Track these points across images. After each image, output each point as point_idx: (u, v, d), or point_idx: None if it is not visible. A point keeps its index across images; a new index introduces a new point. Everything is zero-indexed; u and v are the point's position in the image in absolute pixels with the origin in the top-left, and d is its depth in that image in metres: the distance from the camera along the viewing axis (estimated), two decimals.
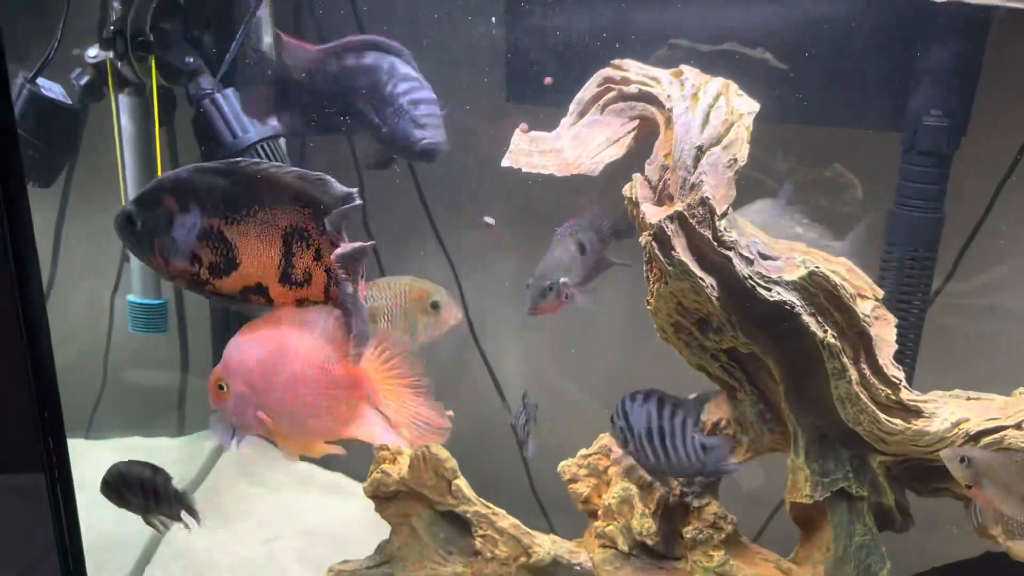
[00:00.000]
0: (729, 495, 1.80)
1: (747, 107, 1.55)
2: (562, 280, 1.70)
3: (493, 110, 2.11)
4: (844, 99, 1.83)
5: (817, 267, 1.48)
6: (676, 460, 1.60)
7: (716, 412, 1.75)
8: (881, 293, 1.63)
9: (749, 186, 2.20)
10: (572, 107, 1.70)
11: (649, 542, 1.74)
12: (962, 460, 1.41)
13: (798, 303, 1.49)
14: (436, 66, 2.16)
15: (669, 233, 1.50)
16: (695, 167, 1.52)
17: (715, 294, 1.50)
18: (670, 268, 1.51)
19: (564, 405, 2.42)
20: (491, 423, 2.42)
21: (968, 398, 1.59)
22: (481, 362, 2.43)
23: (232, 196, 1.30)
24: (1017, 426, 1.48)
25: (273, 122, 1.76)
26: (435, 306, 1.75)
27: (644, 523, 1.72)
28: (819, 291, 1.49)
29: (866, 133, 2.00)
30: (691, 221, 1.50)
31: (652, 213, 1.52)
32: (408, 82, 1.69)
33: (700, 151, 1.52)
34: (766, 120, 1.94)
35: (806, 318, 1.49)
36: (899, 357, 1.61)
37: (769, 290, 1.49)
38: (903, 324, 1.82)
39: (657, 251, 1.51)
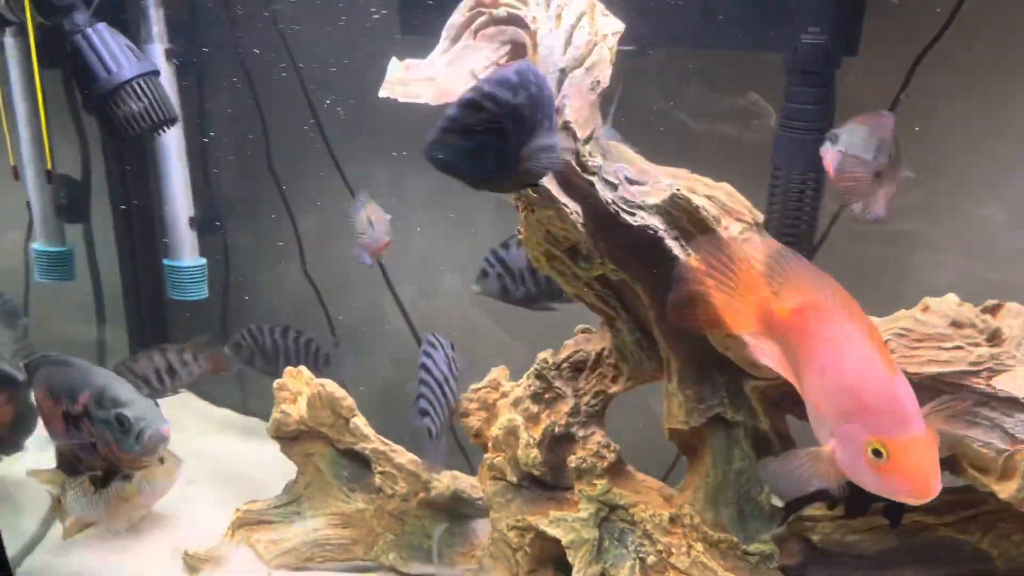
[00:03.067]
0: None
1: (611, 27, 1.51)
2: None
3: (386, 44, 2.07)
4: (733, 21, 1.79)
5: (678, 190, 1.46)
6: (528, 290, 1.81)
7: (599, 341, 1.74)
8: (760, 217, 1.60)
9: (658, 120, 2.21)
10: (444, 33, 1.65)
11: (536, 472, 1.74)
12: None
13: (661, 227, 1.47)
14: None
15: None
16: (558, 90, 1.48)
17: (580, 220, 1.48)
18: (535, 195, 1.48)
19: (486, 344, 2.42)
20: (411, 366, 2.43)
21: None
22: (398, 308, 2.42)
23: None
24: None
25: None
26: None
27: (530, 453, 1.72)
28: (682, 214, 1.47)
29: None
30: None
31: None
32: None
33: (563, 73, 1.48)
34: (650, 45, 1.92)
35: (669, 242, 1.47)
36: None
37: (632, 215, 1.47)
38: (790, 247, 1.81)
39: None
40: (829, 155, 1.57)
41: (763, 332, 1.26)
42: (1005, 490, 1.34)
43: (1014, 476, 1.34)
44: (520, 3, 1.58)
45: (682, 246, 1.47)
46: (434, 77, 1.63)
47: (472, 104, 1.13)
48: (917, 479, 1.07)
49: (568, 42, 1.49)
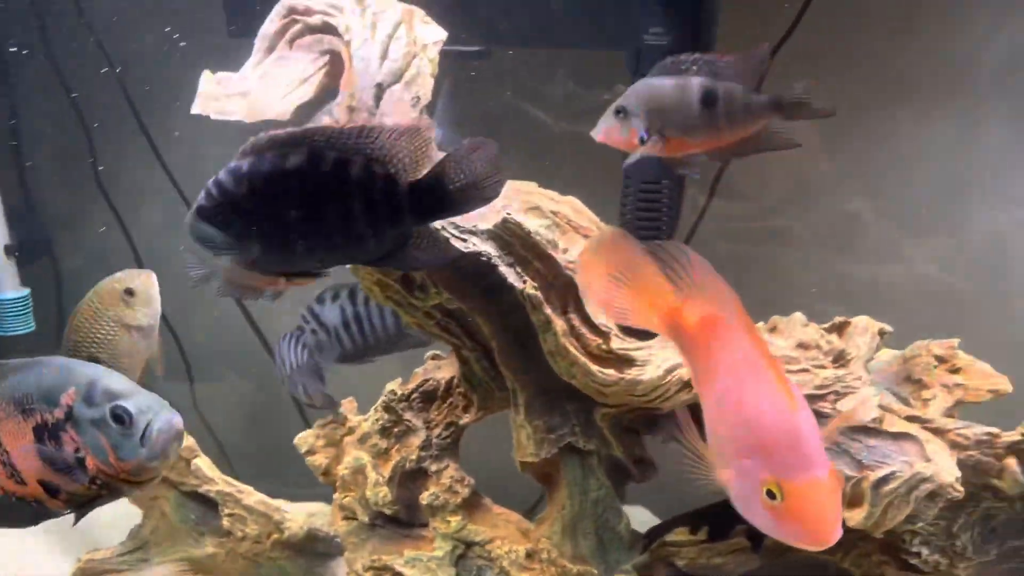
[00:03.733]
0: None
1: (432, 36, 1.39)
2: None
3: (216, 46, 1.91)
4: (576, 18, 1.68)
5: (509, 213, 1.35)
6: (377, 337, 1.71)
7: (449, 369, 1.64)
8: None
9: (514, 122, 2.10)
10: (257, 43, 1.50)
11: (387, 512, 1.64)
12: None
13: (494, 253, 1.36)
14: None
15: None
16: (376, 107, 1.36)
17: None
18: None
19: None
20: (268, 386, 2.29)
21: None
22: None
23: None
24: None
25: None
26: (130, 293, 1.57)
27: (379, 492, 1.61)
28: (515, 239, 1.37)
29: None
30: None
31: None
32: None
33: (380, 88, 1.35)
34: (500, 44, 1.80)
35: (503, 269, 1.36)
36: None
37: (464, 241, 1.36)
38: None
39: None
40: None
41: (668, 335, 1.16)
42: (853, 517, 1.29)
43: (862, 504, 1.29)
44: (335, 10, 1.44)
45: (518, 273, 1.37)
46: (247, 92, 1.48)
47: (205, 190, 1.13)
48: (813, 525, 0.97)
49: (384, 55, 1.36)
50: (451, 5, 1.70)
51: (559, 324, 1.39)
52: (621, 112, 1.33)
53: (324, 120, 1.42)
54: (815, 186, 2.01)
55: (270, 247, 1.13)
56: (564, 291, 1.41)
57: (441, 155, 1.14)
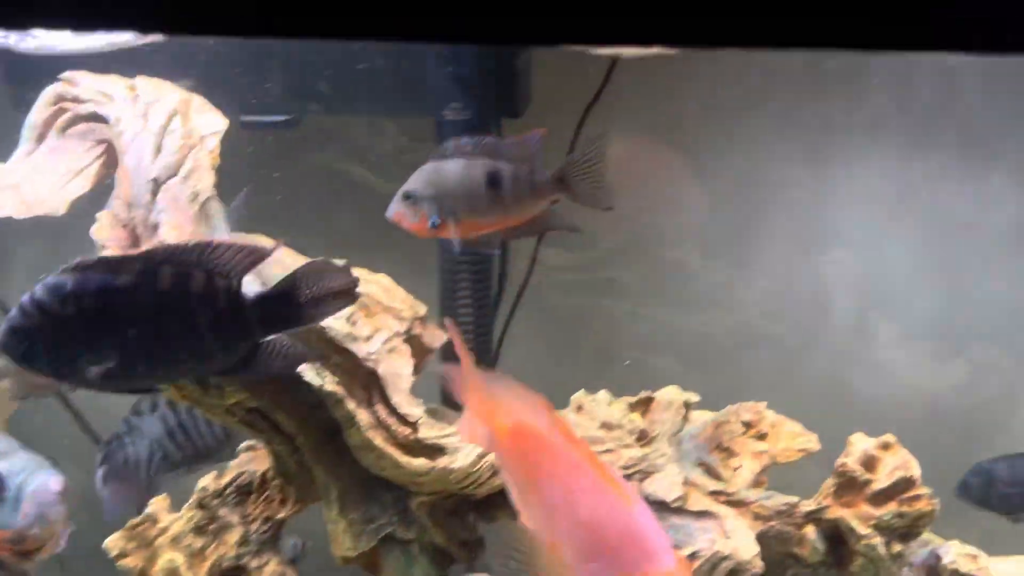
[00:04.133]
0: None
1: (211, 126, 1.32)
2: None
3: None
4: (386, 86, 1.64)
5: None
6: (206, 443, 1.65)
7: (263, 461, 1.57)
8: (423, 309, 1.48)
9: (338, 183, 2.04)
10: (25, 133, 1.40)
11: None
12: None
13: None
14: None
15: None
16: (152, 203, 1.28)
17: None
18: None
19: None
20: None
21: None
22: None
23: None
24: None
25: None
26: None
27: None
28: (310, 334, 1.31)
29: None
30: None
31: None
32: None
33: (156, 184, 1.28)
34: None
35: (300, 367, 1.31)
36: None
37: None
38: (469, 328, 1.71)
39: None
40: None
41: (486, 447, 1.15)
42: None
43: None
44: (105, 99, 1.35)
45: (316, 370, 1.31)
46: (18, 185, 1.38)
47: (21, 309, 1.06)
48: None
49: (159, 148, 1.29)
50: (256, 76, 1.64)
51: (364, 417, 1.34)
52: (410, 197, 1.30)
53: (103, 216, 1.34)
54: (643, 235, 2.03)
55: (105, 368, 1.08)
56: (367, 381, 1.36)
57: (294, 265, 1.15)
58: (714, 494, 1.35)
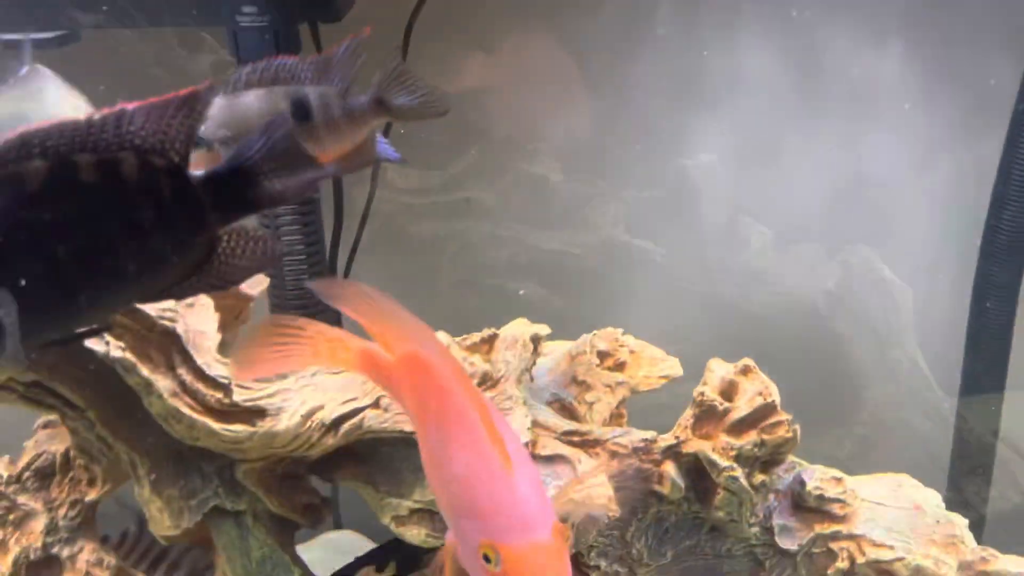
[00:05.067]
0: None
1: None
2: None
3: None
4: None
5: None
6: None
7: (63, 441, 1.37)
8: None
9: None
10: None
11: None
12: None
13: None
14: None
15: None
16: None
17: None
18: None
19: None
20: None
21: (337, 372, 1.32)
22: None
23: None
24: (375, 404, 1.23)
25: None
26: None
27: None
28: None
29: None
30: None
31: None
32: None
33: None
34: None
35: None
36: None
37: None
38: (303, 271, 1.53)
39: None
40: None
41: (371, 378, 1.02)
42: None
43: None
44: None
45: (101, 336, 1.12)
46: None
47: None
48: None
49: None
50: None
51: (164, 383, 1.16)
52: (202, 143, 1.07)
53: None
54: (501, 151, 1.87)
55: (40, 310, 0.77)
56: (165, 343, 1.17)
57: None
58: (567, 435, 1.23)
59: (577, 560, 1.30)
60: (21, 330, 0.76)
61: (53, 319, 0.79)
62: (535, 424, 1.20)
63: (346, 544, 1.65)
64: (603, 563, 1.28)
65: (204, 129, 1.07)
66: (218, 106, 1.08)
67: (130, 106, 0.76)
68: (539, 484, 0.90)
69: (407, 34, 1.53)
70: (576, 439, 1.22)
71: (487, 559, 0.85)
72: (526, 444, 1.18)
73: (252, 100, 1.08)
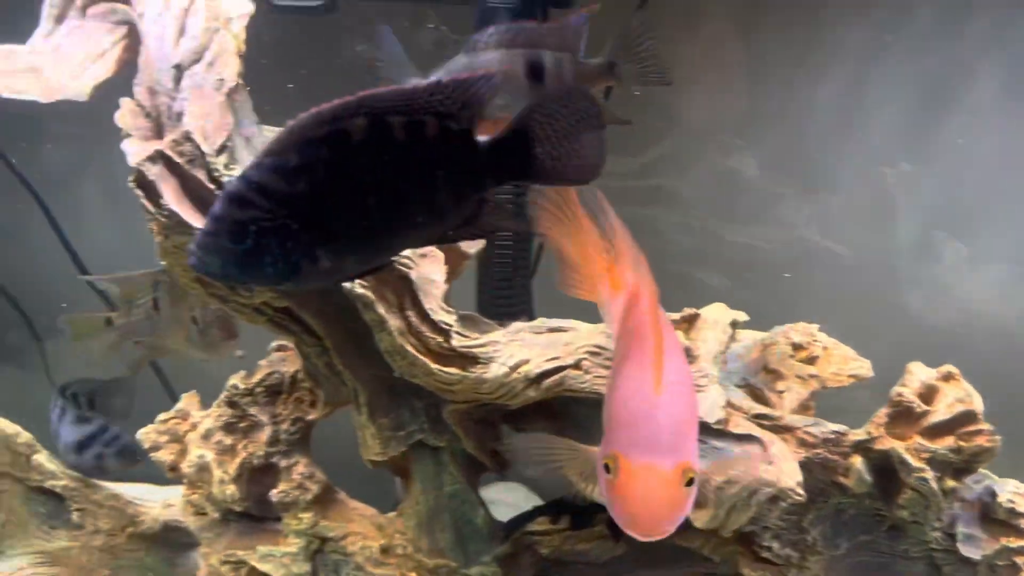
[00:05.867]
0: None
1: (237, 8, 1.23)
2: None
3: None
4: None
5: None
6: None
7: (294, 363, 1.54)
8: None
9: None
10: (45, 10, 1.33)
11: (237, 508, 1.56)
12: None
13: None
14: None
15: (153, 177, 1.21)
16: (176, 90, 1.21)
17: None
18: (163, 219, 1.23)
19: None
20: None
21: (549, 329, 1.42)
22: None
23: None
24: (576, 365, 1.32)
25: None
26: None
27: (226, 490, 1.53)
28: None
29: None
30: (179, 160, 1.20)
31: (132, 152, 1.22)
32: None
33: (179, 70, 1.20)
34: None
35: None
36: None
37: None
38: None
39: (144, 200, 1.22)
40: None
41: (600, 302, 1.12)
42: (699, 518, 1.25)
43: (707, 505, 1.24)
44: None
45: None
46: (39, 68, 1.32)
47: (237, 199, 0.88)
48: (636, 509, 0.91)
49: (181, 30, 1.21)
50: None
51: (394, 323, 1.29)
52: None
53: (126, 103, 1.27)
54: (696, 142, 1.92)
55: (345, 249, 0.91)
56: (399, 287, 1.30)
57: None
58: (758, 418, 1.28)
59: (750, 538, 1.36)
60: (331, 264, 0.90)
61: (359, 257, 0.93)
62: (728, 404, 1.26)
63: (519, 496, 1.75)
64: (776, 545, 1.33)
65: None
66: (459, 62, 1.18)
67: (444, 79, 0.88)
68: (685, 419, 0.94)
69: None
70: (767, 423, 1.27)
71: (607, 468, 0.91)
72: (719, 421, 1.24)
73: (489, 59, 1.17)
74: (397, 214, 0.90)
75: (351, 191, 0.88)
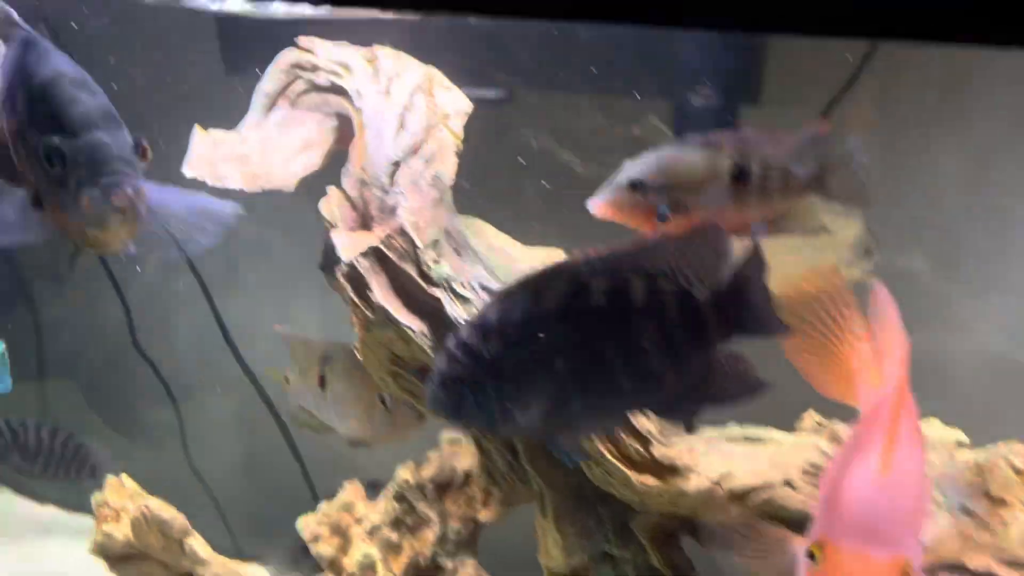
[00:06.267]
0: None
1: (455, 105, 1.22)
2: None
3: (212, 84, 1.74)
4: (617, 68, 1.51)
5: None
6: None
7: (467, 456, 1.49)
8: None
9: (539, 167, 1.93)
10: (255, 100, 1.35)
11: None
12: None
13: None
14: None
15: (363, 271, 1.19)
16: (391, 184, 1.20)
17: (429, 343, 1.21)
18: (370, 314, 1.20)
19: None
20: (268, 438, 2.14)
21: (746, 439, 1.35)
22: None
23: None
24: (786, 482, 1.24)
25: None
26: None
27: None
28: None
29: None
30: (390, 255, 1.19)
31: (345, 245, 1.20)
32: None
33: (396, 166, 1.19)
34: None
35: None
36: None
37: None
38: None
39: (352, 293, 1.20)
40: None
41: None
42: None
43: None
44: (344, 70, 1.28)
45: None
46: (245, 156, 1.32)
47: (449, 355, 0.90)
48: None
49: (401, 126, 1.20)
50: (474, 49, 1.54)
51: None
52: (638, 186, 1.11)
53: (333, 192, 1.26)
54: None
55: (539, 410, 0.90)
56: None
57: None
58: (982, 548, 1.19)
59: None
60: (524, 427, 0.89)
61: (551, 421, 0.90)
62: (960, 535, 1.17)
63: None
64: None
65: (642, 173, 1.12)
66: (663, 154, 1.13)
67: (668, 240, 0.88)
68: (911, 509, 0.84)
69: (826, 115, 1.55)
70: (996, 556, 1.17)
71: (811, 556, 0.81)
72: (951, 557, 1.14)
73: (696, 156, 1.12)
74: (595, 382, 0.88)
75: (542, 355, 0.87)
